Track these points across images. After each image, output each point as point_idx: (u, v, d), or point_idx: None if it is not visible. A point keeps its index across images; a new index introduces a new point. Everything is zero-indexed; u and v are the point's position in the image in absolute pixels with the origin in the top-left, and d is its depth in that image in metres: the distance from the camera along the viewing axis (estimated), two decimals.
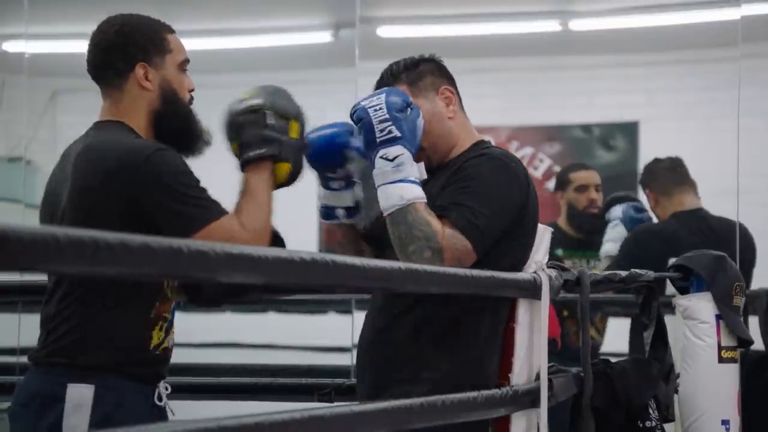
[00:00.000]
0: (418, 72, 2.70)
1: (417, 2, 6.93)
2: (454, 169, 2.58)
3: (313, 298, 4.38)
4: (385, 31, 6.92)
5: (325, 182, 2.67)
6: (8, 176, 5.94)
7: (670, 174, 4.68)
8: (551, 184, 6.94)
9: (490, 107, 7.09)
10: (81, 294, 2.40)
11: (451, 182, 2.55)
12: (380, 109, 2.51)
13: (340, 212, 2.66)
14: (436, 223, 2.46)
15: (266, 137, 2.49)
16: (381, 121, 2.50)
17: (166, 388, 2.52)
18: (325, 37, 6.82)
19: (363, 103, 2.54)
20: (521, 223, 2.56)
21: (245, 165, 2.49)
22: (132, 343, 2.42)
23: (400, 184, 2.47)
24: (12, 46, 6.34)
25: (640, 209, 4.81)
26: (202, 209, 2.36)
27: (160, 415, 2.50)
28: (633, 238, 4.59)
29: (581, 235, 4.96)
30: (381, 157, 2.49)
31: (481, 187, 2.51)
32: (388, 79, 2.69)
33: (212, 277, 1.58)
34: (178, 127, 2.51)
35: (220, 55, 6.38)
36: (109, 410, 2.37)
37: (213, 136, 2.56)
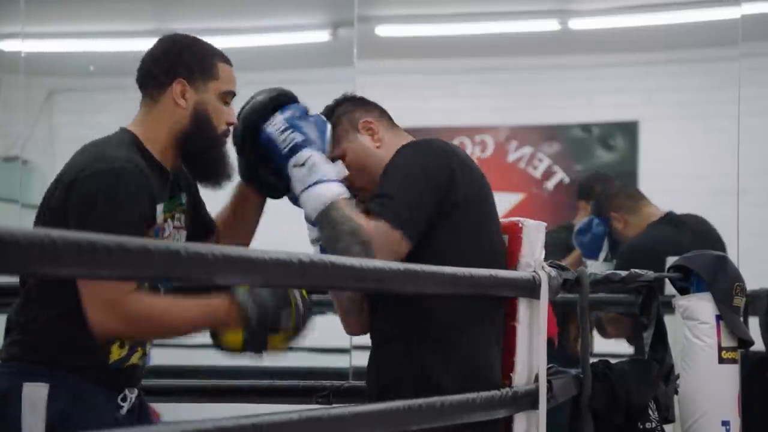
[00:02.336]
0: (334, 119, 2.63)
1: (416, 1, 6.93)
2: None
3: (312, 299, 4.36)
4: (383, 31, 6.92)
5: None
6: (4, 176, 5.93)
7: (626, 191, 4.74)
8: (551, 184, 6.96)
9: (489, 107, 7.10)
10: (41, 300, 2.40)
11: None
12: (276, 123, 2.50)
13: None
14: (359, 217, 2.41)
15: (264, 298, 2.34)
16: (281, 132, 2.48)
17: (133, 391, 2.49)
18: (323, 36, 6.82)
19: (263, 127, 2.52)
20: (453, 199, 2.48)
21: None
22: (89, 353, 2.39)
23: (316, 187, 2.43)
24: (8, 46, 6.34)
25: (581, 230, 4.77)
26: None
27: (127, 418, 2.46)
28: (627, 255, 4.56)
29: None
30: (293, 167, 2.46)
31: (396, 175, 2.47)
32: None
33: (210, 279, 1.57)
34: (201, 153, 2.49)
35: None
36: (65, 406, 2.36)
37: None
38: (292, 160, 2.47)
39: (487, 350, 2.55)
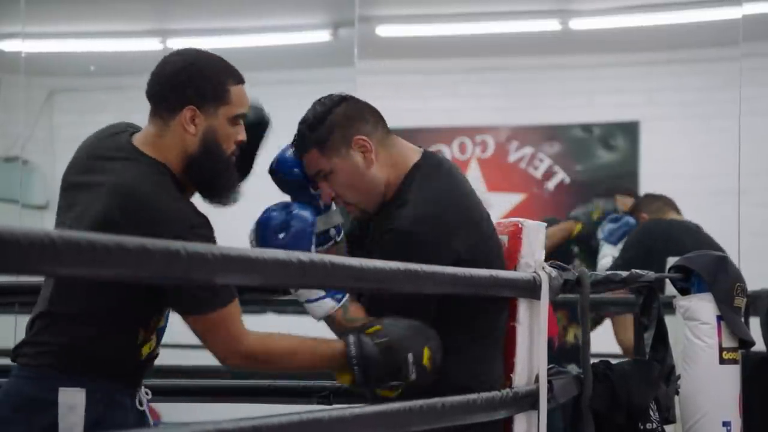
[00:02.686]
0: (325, 128, 2.55)
1: (416, 1, 6.93)
2: (379, 231, 2.52)
3: None
4: (384, 31, 6.92)
5: (315, 205, 2.60)
6: (5, 176, 5.92)
7: (664, 199, 4.92)
8: (552, 184, 6.96)
9: (489, 107, 7.10)
10: (70, 306, 2.39)
11: (375, 247, 2.49)
12: (252, 242, 2.50)
13: (333, 231, 2.63)
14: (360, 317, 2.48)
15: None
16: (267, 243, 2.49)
17: (147, 393, 2.51)
18: (324, 36, 6.82)
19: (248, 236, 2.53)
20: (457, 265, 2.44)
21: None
22: (124, 349, 2.41)
23: (308, 305, 2.48)
24: (9, 46, 6.33)
25: (617, 218, 4.91)
26: (219, 291, 2.33)
27: (142, 418, 2.49)
28: (629, 239, 4.72)
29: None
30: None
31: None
32: (299, 144, 2.58)
33: (210, 279, 1.56)
34: (208, 177, 2.48)
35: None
36: (101, 411, 2.37)
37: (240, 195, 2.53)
38: None
39: (494, 354, 2.55)
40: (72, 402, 2.35)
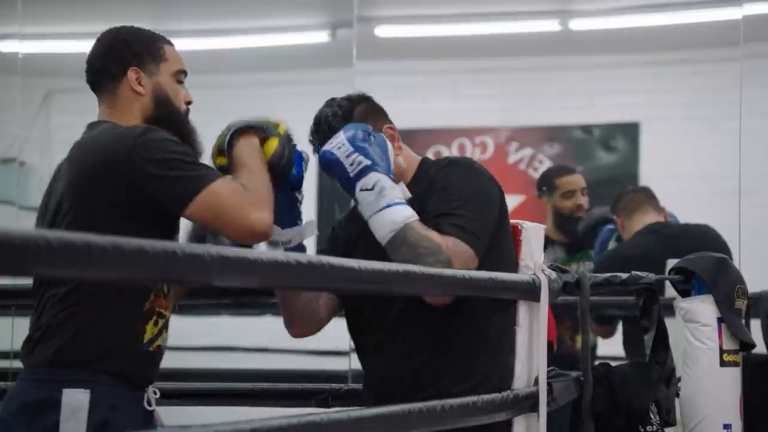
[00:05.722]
0: (357, 120, 2.62)
1: (415, 2, 6.92)
2: (423, 189, 2.58)
3: None
4: (382, 31, 6.91)
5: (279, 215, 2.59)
6: (1, 178, 5.91)
7: (633, 196, 4.77)
8: None
9: (489, 108, 7.08)
10: (70, 288, 2.39)
11: (425, 200, 2.55)
12: (342, 145, 2.49)
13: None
14: (436, 236, 2.45)
15: (248, 120, 2.53)
16: (347, 156, 2.48)
17: (155, 393, 2.50)
18: (322, 36, 6.81)
19: (326, 147, 2.52)
20: (503, 219, 2.59)
21: (231, 143, 2.50)
22: (124, 336, 2.41)
23: (387, 210, 2.45)
24: (5, 46, 6.32)
25: (614, 230, 4.82)
26: (201, 172, 2.37)
27: (150, 420, 2.48)
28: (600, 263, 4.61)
29: (569, 238, 4.94)
30: (361, 190, 2.47)
31: (463, 194, 2.53)
32: (327, 134, 2.59)
33: (207, 281, 1.55)
34: (172, 132, 2.49)
35: (217, 55, 6.37)
36: (106, 414, 2.36)
37: (206, 146, 2.56)
38: (359, 184, 2.47)
39: (496, 353, 2.55)
40: (76, 403, 2.33)
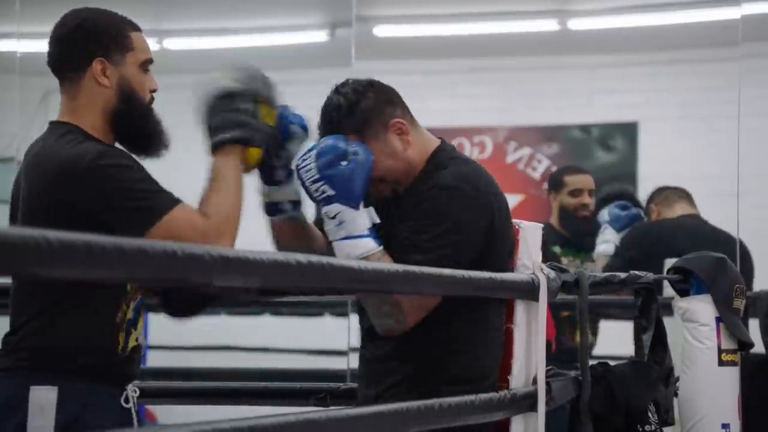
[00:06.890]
0: (361, 115, 2.56)
1: (414, 1, 6.93)
2: (413, 200, 2.53)
3: (308, 300, 4.36)
4: (381, 31, 6.92)
5: (268, 174, 2.59)
6: (0, 177, 5.91)
7: (674, 190, 4.86)
8: None
9: (488, 107, 7.09)
10: (41, 288, 2.35)
11: (409, 216, 2.51)
12: (310, 170, 2.46)
13: (287, 206, 2.61)
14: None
15: (236, 121, 2.42)
16: (313, 182, 2.46)
17: (135, 391, 2.45)
18: (321, 36, 6.81)
19: (298, 163, 2.50)
20: (491, 244, 2.51)
21: (214, 149, 2.42)
22: (98, 349, 2.36)
23: (344, 242, 2.44)
24: (4, 45, 6.33)
25: (626, 206, 4.89)
26: (157, 201, 2.28)
27: (127, 417, 2.42)
28: (629, 237, 4.70)
29: (571, 237, 4.97)
30: (324, 215, 2.47)
31: (438, 225, 2.47)
32: (330, 129, 2.56)
33: (207, 281, 1.55)
34: (134, 127, 2.43)
35: (215, 55, 6.36)
36: (75, 411, 2.31)
37: (172, 138, 2.49)
38: (323, 209, 2.47)
39: (488, 352, 2.55)
40: (43, 401, 2.29)
